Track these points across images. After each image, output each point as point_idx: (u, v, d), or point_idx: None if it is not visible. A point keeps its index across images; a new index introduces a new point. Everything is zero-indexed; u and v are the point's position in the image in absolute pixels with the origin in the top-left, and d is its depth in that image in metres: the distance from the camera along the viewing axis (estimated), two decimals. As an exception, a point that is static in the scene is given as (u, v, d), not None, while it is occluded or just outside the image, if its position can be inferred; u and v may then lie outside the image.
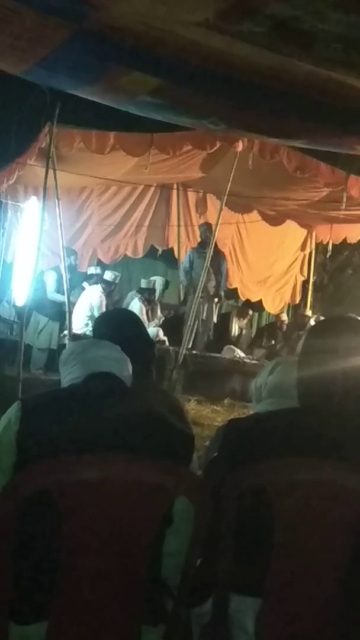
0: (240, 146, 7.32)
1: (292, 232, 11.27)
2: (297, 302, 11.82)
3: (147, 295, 9.53)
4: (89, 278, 9.66)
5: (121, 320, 2.75)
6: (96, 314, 8.61)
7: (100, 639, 1.80)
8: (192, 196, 10.64)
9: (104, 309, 8.74)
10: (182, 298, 10.54)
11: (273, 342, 10.76)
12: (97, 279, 9.45)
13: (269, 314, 12.07)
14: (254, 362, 9.10)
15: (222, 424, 2.23)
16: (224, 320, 10.61)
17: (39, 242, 7.29)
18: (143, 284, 9.65)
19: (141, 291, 9.59)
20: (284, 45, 3.49)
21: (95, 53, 4.03)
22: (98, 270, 9.67)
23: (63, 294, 8.56)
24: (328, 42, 3.36)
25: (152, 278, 10.06)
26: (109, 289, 9.28)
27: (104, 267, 9.98)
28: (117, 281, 9.47)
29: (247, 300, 11.36)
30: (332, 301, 11.73)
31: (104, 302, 9.05)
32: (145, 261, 11.15)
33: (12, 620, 1.79)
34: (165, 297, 10.64)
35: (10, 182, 7.26)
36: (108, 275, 9.37)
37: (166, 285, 10.38)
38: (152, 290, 9.63)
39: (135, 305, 9.22)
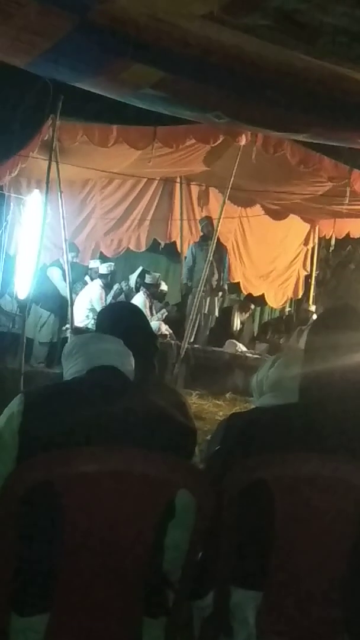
0: (243, 140, 7.29)
1: (295, 227, 11.25)
2: (300, 296, 11.81)
3: (152, 290, 9.54)
4: (89, 272, 9.68)
5: (124, 314, 2.74)
6: (96, 307, 8.64)
7: (101, 631, 1.81)
8: (195, 190, 10.62)
9: (103, 302, 8.75)
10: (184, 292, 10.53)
11: (277, 336, 10.75)
12: (96, 272, 9.48)
13: (272, 308, 12.06)
14: (255, 356, 9.09)
15: (223, 418, 2.23)
16: (226, 315, 10.60)
17: (41, 235, 7.29)
18: (148, 279, 9.66)
19: (146, 285, 9.59)
20: (288, 38, 3.49)
21: (99, 45, 4.03)
22: (98, 264, 9.70)
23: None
24: (333, 35, 3.35)
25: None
26: (106, 281, 9.31)
27: (104, 260, 9.99)
28: (112, 269, 9.47)
29: (249, 295, 11.35)
30: (335, 296, 11.71)
31: (103, 295, 9.07)
32: (148, 255, 11.13)
33: (14, 611, 1.80)
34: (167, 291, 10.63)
35: (13, 175, 7.24)
36: (103, 269, 9.39)
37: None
38: (156, 285, 9.64)
39: (139, 299, 9.22)
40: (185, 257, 10.14)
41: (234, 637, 1.94)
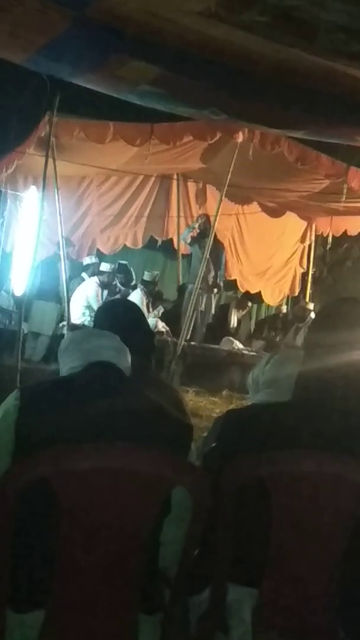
0: (240, 137, 7.28)
1: (292, 224, 11.24)
2: (297, 294, 11.80)
3: (150, 288, 9.54)
4: (86, 269, 9.66)
5: (121, 310, 2.74)
6: (93, 305, 8.62)
7: (97, 627, 1.81)
8: (192, 187, 10.61)
9: (100, 300, 8.73)
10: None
11: (273, 333, 10.75)
12: (94, 269, 9.45)
13: (268, 305, 12.06)
14: (252, 353, 9.09)
15: (220, 415, 2.23)
16: (223, 312, 10.59)
17: (38, 231, 7.28)
18: (146, 276, 9.65)
19: (144, 283, 9.59)
20: (285, 35, 3.49)
21: (96, 41, 4.03)
22: (94, 260, 9.68)
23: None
24: (330, 32, 3.35)
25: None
26: (105, 279, 9.29)
27: (101, 257, 9.97)
28: (114, 267, 9.47)
29: (246, 292, 11.35)
30: (331, 293, 11.70)
31: (100, 293, 9.05)
32: (145, 252, 11.12)
33: (9, 608, 1.80)
34: (164, 289, 10.62)
35: (9, 171, 7.23)
36: (104, 266, 9.38)
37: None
38: (154, 283, 9.63)
39: (136, 296, 9.21)
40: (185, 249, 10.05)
41: (230, 634, 1.94)
